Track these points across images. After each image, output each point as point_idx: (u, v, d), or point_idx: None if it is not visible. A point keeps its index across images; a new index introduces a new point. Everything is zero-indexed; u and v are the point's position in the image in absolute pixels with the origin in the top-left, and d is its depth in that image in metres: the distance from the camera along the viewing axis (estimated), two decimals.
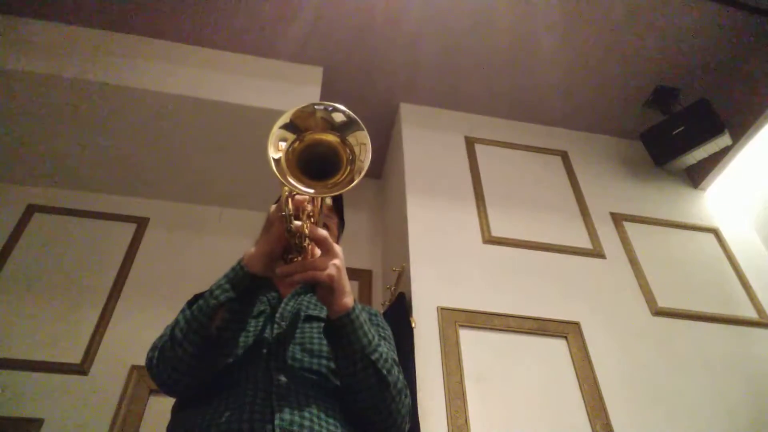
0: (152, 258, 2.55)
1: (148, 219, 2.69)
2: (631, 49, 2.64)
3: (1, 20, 2.35)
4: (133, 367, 2.12)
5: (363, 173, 0.85)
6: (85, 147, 2.53)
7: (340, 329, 0.90)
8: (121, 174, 2.67)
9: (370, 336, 0.93)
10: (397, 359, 1.02)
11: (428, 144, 2.68)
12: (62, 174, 2.63)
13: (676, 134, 2.65)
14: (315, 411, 0.90)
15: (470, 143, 2.73)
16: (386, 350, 0.97)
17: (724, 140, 2.57)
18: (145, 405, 2.05)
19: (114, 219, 2.64)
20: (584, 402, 1.86)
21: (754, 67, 2.60)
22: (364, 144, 0.88)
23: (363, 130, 0.88)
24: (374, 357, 0.92)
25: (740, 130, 2.58)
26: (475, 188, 2.52)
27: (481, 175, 2.58)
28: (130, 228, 2.63)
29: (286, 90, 2.51)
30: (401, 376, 0.98)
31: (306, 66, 2.64)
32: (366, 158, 0.86)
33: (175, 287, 2.43)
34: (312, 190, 0.85)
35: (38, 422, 1.96)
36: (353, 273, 2.68)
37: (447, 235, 2.29)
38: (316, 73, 2.63)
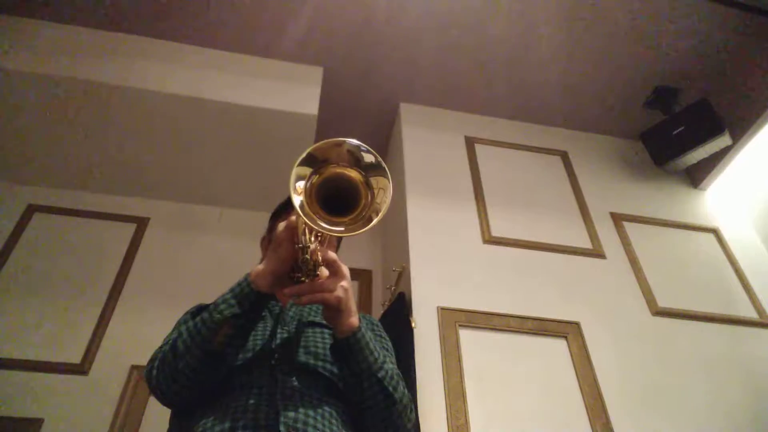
0: (152, 258, 2.55)
1: (148, 219, 2.69)
2: (632, 49, 2.64)
3: (1, 20, 2.35)
4: (133, 367, 2.12)
5: (381, 214, 0.86)
6: (85, 147, 2.53)
7: (347, 348, 0.92)
8: (121, 174, 2.67)
9: (376, 354, 0.95)
10: (400, 372, 1.03)
11: (428, 144, 2.68)
12: (62, 174, 2.63)
13: (676, 134, 2.65)
14: (320, 411, 0.91)
15: (470, 143, 2.73)
16: (392, 366, 0.99)
17: (724, 140, 2.57)
18: (145, 405, 2.05)
19: (114, 219, 2.63)
20: (584, 402, 1.86)
21: (754, 67, 2.60)
22: (384, 189, 0.88)
23: (387, 177, 0.89)
24: (381, 375, 0.93)
25: (740, 130, 2.58)
26: (475, 188, 2.52)
27: (481, 175, 2.58)
28: (130, 228, 2.63)
29: (286, 90, 2.51)
30: (406, 391, 1.00)
31: (306, 66, 2.64)
32: (383, 201, 0.87)
33: (175, 287, 2.44)
34: (341, 229, 0.86)
35: (38, 422, 1.96)
36: (353, 273, 2.66)
37: (447, 235, 2.29)
38: (316, 73, 2.63)
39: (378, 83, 2.77)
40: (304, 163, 0.87)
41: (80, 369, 2.13)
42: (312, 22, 2.48)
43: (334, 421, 0.91)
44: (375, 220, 0.86)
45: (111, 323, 2.29)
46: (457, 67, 2.71)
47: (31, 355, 2.12)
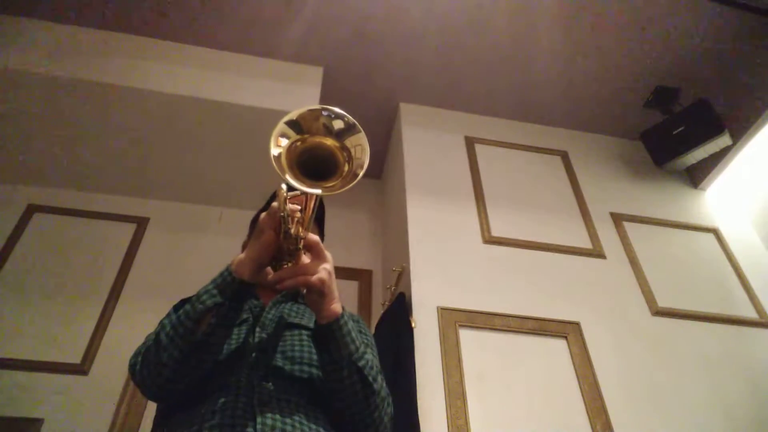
0: (152, 258, 2.55)
1: (148, 219, 2.69)
2: (631, 49, 2.64)
3: (1, 20, 2.35)
4: None
5: (365, 168, 0.87)
6: (84, 147, 2.53)
7: (329, 335, 0.91)
8: (121, 174, 2.67)
9: (357, 343, 0.94)
10: (380, 367, 1.02)
11: (428, 144, 2.68)
12: (62, 174, 2.63)
13: (676, 134, 2.65)
14: (297, 417, 0.89)
15: (470, 143, 2.73)
16: (372, 357, 0.98)
17: (724, 140, 2.57)
18: (145, 405, 2.06)
19: (114, 219, 2.64)
20: (584, 402, 1.86)
21: (754, 67, 2.60)
22: (360, 145, 0.89)
23: (360, 132, 0.90)
24: (361, 364, 0.92)
25: (740, 130, 2.58)
26: (475, 188, 2.52)
27: (481, 175, 2.58)
28: (130, 228, 2.63)
29: (286, 90, 2.51)
30: (384, 384, 0.99)
31: (306, 66, 2.64)
32: (364, 155, 0.88)
33: (175, 287, 2.41)
34: (319, 191, 0.85)
35: (38, 422, 1.96)
36: (353, 273, 2.68)
37: (447, 235, 2.29)
38: (316, 73, 2.63)
39: (378, 83, 2.77)
40: (290, 125, 0.89)
41: (80, 369, 2.13)
42: (312, 22, 2.48)
43: (312, 426, 0.90)
44: (360, 175, 0.86)
45: (111, 323, 2.29)
46: (457, 67, 2.71)
47: (31, 355, 2.12)
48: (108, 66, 2.36)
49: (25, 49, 2.30)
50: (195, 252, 2.62)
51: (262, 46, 2.58)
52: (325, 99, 2.57)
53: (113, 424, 2.00)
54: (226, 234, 2.69)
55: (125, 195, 2.73)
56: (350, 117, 0.91)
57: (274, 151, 0.86)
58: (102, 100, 2.36)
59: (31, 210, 2.56)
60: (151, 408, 2.06)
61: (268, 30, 2.52)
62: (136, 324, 2.26)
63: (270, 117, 2.44)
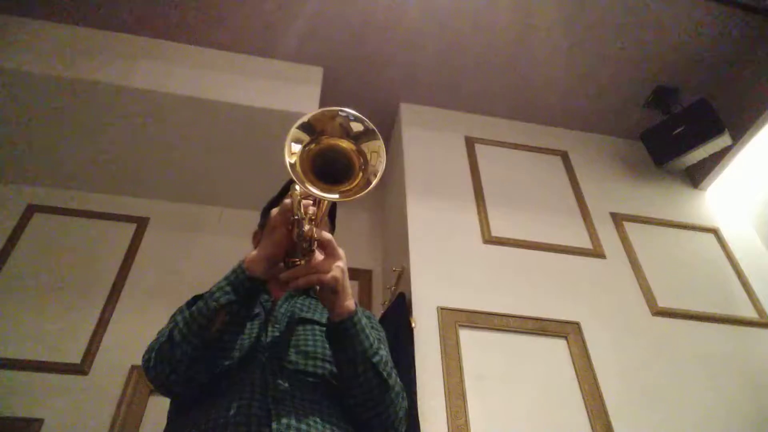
0: (152, 258, 2.55)
1: (148, 219, 2.69)
2: (631, 49, 2.64)
3: (2, 20, 2.35)
4: (133, 367, 2.12)
5: (379, 176, 0.86)
6: (84, 147, 2.53)
7: (343, 332, 0.91)
8: (121, 174, 2.67)
9: (371, 339, 0.94)
10: (393, 363, 1.02)
11: (428, 144, 2.68)
12: (62, 174, 2.63)
13: (676, 134, 2.65)
14: (312, 414, 0.89)
15: (470, 143, 2.73)
16: (385, 353, 0.98)
17: (724, 140, 2.57)
18: (145, 405, 2.06)
19: (114, 219, 2.63)
20: (584, 402, 1.86)
21: (754, 67, 2.60)
22: (377, 151, 0.88)
23: (378, 139, 0.89)
24: (375, 360, 0.92)
25: (740, 130, 2.58)
26: (475, 188, 2.52)
27: (481, 175, 2.58)
28: (130, 228, 2.63)
29: (286, 90, 2.51)
30: (398, 380, 0.99)
31: (306, 66, 2.64)
32: (379, 163, 0.87)
33: (175, 287, 2.43)
34: (336, 196, 0.85)
35: (38, 422, 1.96)
36: (353, 273, 2.68)
37: (447, 235, 2.29)
38: (316, 73, 2.63)
39: (378, 83, 2.77)
40: (302, 128, 0.88)
41: (80, 369, 2.13)
42: (312, 22, 2.48)
43: (327, 424, 0.89)
44: (373, 183, 0.86)
45: (111, 323, 2.29)
46: (457, 67, 2.71)
47: (31, 355, 2.12)
48: (107, 66, 2.36)
49: (25, 49, 2.30)
50: (195, 252, 2.62)
51: (262, 46, 2.58)
52: (325, 99, 2.57)
53: (113, 424, 2.00)
54: (226, 234, 2.69)
55: (125, 195, 2.73)
56: (369, 122, 0.90)
57: (289, 159, 0.84)
58: (102, 100, 2.36)
59: (31, 210, 2.56)
60: (151, 408, 2.07)
61: (268, 30, 2.52)
62: (136, 324, 2.27)
63: (270, 117, 2.46)
